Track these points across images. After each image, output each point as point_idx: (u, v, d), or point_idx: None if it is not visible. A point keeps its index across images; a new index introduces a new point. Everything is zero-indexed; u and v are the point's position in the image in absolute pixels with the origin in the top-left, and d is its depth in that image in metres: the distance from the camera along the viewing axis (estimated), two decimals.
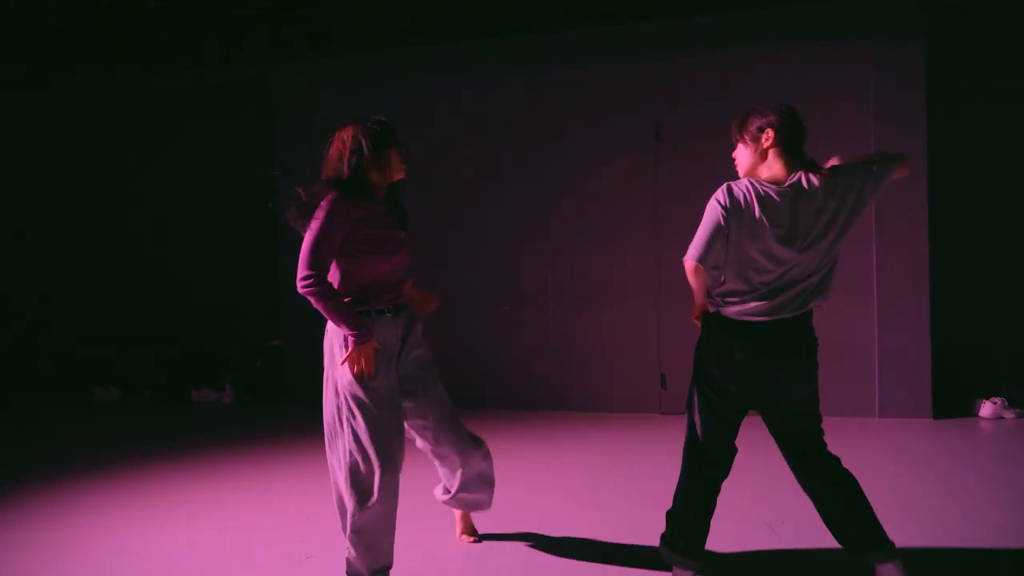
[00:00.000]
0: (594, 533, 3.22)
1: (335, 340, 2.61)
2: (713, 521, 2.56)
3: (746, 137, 2.44)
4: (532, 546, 3.09)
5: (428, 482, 3.27)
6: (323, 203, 2.53)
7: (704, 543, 2.54)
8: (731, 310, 2.39)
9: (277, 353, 6.66)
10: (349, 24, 6.24)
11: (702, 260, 2.36)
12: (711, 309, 2.48)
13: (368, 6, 6.17)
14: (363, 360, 2.51)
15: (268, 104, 6.69)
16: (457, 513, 3.19)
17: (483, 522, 3.29)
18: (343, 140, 2.62)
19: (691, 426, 2.53)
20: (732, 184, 2.38)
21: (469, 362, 5.93)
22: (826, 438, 2.49)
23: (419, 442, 2.93)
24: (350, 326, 2.50)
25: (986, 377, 5.44)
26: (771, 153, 2.39)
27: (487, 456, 2.99)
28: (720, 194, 2.36)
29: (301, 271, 2.48)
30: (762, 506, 3.42)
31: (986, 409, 5.21)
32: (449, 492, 3.04)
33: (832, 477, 2.44)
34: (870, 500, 2.45)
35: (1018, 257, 5.66)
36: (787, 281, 2.35)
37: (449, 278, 5.86)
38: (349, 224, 2.53)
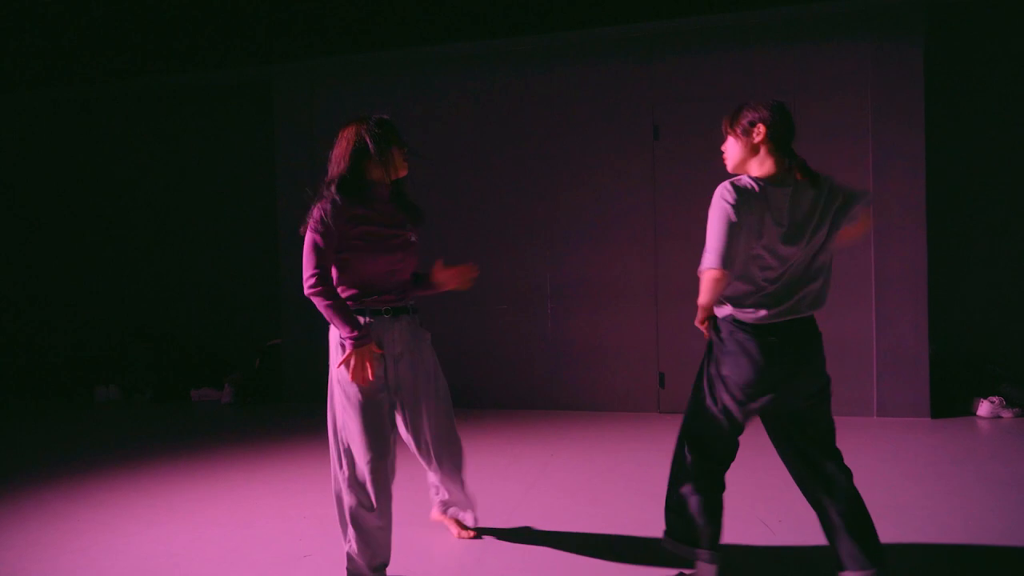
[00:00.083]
0: (593, 531, 3.23)
1: (336, 338, 2.64)
2: None
3: (737, 130, 2.43)
4: (531, 544, 3.10)
5: (426, 481, 3.28)
6: (318, 205, 2.57)
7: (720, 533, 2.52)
8: (744, 313, 2.35)
9: (276, 352, 6.67)
10: (349, 24, 6.25)
11: (726, 264, 2.25)
12: (720, 313, 2.42)
13: (368, 6, 6.18)
14: (360, 363, 2.52)
15: (268, 104, 6.70)
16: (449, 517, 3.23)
17: (482, 520, 3.30)
18: (346, 138, 2.66)
19: (700, 427, 2.47)
20: (734, 181, 2.33)
21: (468, 361, 5.95)
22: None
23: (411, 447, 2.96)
24: (347, 329, 2.52)
25: (984, 376, 5.45)
26: (763, 149, 2.38)
27: (455, 471, 3.00)
28: (726, 193, 2.29)
29: (304, 274, 2.54)
30: (758, 503, 3.43)
31: (984, 408, 5.21)
32: (441, 504, 3.15)
33: (840, 490, 2.36)
34: (869, 500, 2.42)
35: (1016, 256, 5.67)
36: (790, 281, 2.34)
37: None
38: (344, 223, 2.55)
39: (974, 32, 5.65)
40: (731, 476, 2.57)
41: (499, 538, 3.16)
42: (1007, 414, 5.18)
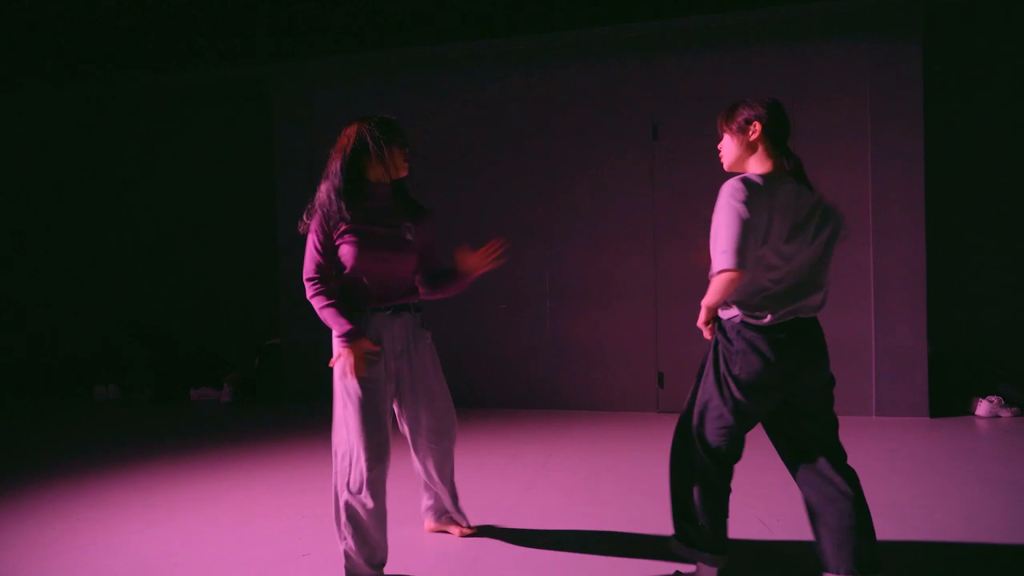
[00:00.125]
0: (591, 530, 3.23)
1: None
2: None
3: (733, 128, 2.42)
4: (529, 543, 3.10)
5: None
6: (316, 204, 2.64)
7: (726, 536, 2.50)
8: (750, 314, 2.32)
9: (276, 352, 6.67)
10: (348, 24, 6.25)
11: (742, 265, 2.19)
12: (725, 315, 2.38)
13: (367, 6, 6.18)
14: (351, 362, 2.56)
15: (267, 104, 6.70)
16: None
17: (480, 519, 3.31)
18: (347, 137, 2.68)
19: (710, 429, 2.42)
20: (742, 178, 2.29)
21: (467, 361, 5.95)
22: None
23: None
24: (336, 328, 2.57)
25: (983, 376, 5.46)
26: (759, 147, 2.37)
27: (446, 472, 3.03)
28: (735, 190, 2.23)
29: (304, 277, 2.63)
30: (756, 502, 3.44)
31: (982, 408, 5.22)
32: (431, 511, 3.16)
33: (842, 492, 2.34)
34: (867, 499, 2.39)
35: (1015, 256, 5.68)
36: (795, 283, 2.31)
37: None
38: (339, 223, 2.60)
39: (973, 32, 5.66)
40: None
41: (497, 537, 3.16)
42: (1006, 413, 5.19)
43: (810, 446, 2.41)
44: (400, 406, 2.83)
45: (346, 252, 2.61)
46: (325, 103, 6.39)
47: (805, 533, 2.53)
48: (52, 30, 6.90)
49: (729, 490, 2.48)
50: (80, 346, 7.56)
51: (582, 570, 2.81)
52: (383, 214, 2.70)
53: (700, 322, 2.43)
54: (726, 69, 5.53)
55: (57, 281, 7.69)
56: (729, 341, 2.37)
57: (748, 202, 2.22)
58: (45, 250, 7.73)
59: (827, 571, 2.35)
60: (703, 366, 2.49)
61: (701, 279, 2.47)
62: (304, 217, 2.68)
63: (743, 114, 2.40)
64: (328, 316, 2.59)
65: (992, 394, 5.26)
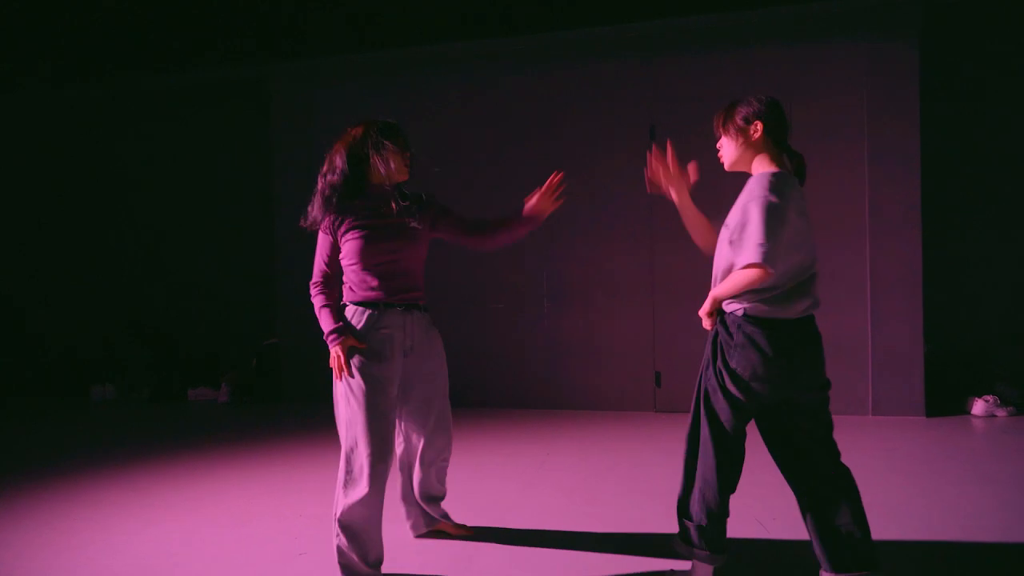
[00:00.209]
0: (589, 530, 3.23)
1: None
2: None
3: (731, 128, 2.40)
4: (527, 543, 3.11)
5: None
6: (316, 204, 2.70)
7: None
8: (756, 308, 2.30)
9: (273, 352, 6.67)
10: (347, 25, 6.26)
11: (771, 262, 2.14)
12: (729, 308, 2.37)
13: (366, 7, 6.19)
14: (339, 360, 2.61)
15: (266, 104, 6.71)
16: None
17: (478, 519, 3.31)
18: (352, 137, 2.72)
19: (713, 428, 2.41)
20: (776, 173, 2.27)
21: (464, 360, 5.94)
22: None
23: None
24: (325, 327, 2.64)
25: (979, 375, 5.47)
26: (763, 145, 2.36)
27: (441, 471, 3.04)
28: (767, 184, 2.21)
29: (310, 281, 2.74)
30: (753, 502, 3.44)
31: (978, 407, 5.23)
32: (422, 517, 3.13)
33: (837, 490, 2.34)
34: (863, 498, 2.39)
35: (1011, 255, 5.69)
36: (800, 281, 2.30)
37: (444, 276, 5.88)
38: (340, 223, 2.66)
39: (970, 32, 5.67)
40: None
41: (495, 537, 3.16)
42: (1001, 413, 5.20)
43: (807, 445, 2.41)
44: (406, 401, 2.84)
45: (353, 247, 2.65)
46: (324, 103, 6.40)
47: (801, 532, 2.54)
48: (52, 30, 6.90)
49: (733, 488, 2.47)
50: (77, 346, 7.56)
51: (581, 570, 2.81)
52: (387, 213, 2.72)
53: (703, 311, 2.41)
54: (724, 69, 5.54)
55: (57, 281, 7.68)
56: (729, 335, 2.35)
57: (786, 197, 2.19)
58: (44, 250, 7.72)
59: (823, 570, 2.36)
60: (704, 361, 2.48)
61: (699, 279, 2.45)
62: (306, 213, 2.73)
63: (742, 113, 2.38)
64: (320, 315, 2.67)
65: (988, 393, 5.28)
